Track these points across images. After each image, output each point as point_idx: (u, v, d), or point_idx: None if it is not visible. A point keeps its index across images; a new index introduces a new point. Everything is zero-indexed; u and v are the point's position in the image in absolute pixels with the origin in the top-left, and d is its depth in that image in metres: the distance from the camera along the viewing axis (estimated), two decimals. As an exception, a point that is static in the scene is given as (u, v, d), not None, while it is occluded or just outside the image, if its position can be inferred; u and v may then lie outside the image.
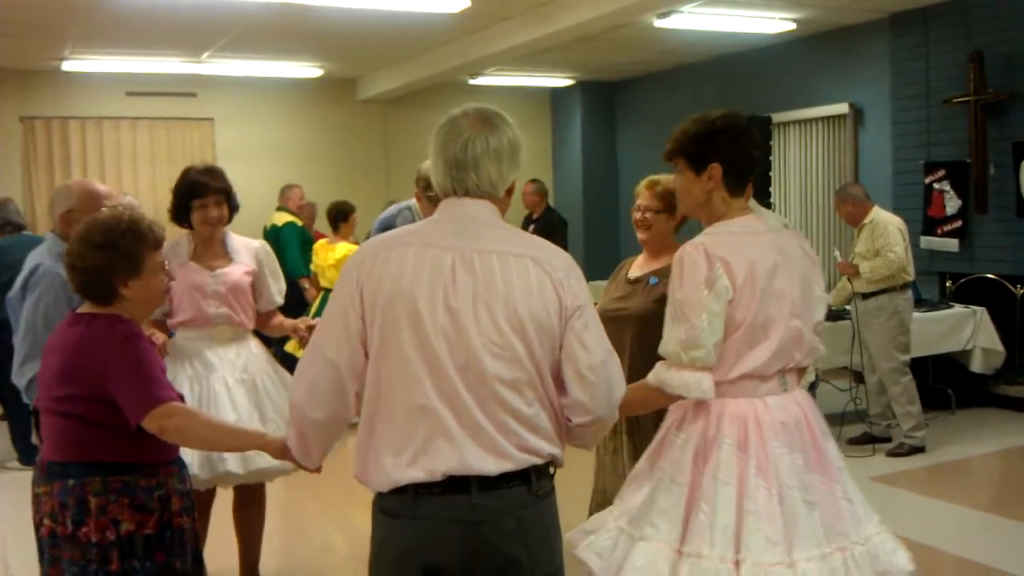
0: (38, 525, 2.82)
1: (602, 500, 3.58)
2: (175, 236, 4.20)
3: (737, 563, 2.54)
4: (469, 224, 2.29)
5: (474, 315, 2.19)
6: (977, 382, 7.77)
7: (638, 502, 2.75)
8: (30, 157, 11.10)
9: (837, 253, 7.22)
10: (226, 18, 8.34)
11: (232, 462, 3.89)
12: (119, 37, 9.09)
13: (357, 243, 7.95)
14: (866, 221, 6.70)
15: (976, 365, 7.52)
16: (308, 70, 11.32)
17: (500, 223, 2.32)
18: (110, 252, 2.77)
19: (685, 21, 8.48)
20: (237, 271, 4.19)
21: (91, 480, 2.73)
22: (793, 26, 9.15)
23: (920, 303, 7.47)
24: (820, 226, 10.03)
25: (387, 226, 4.54)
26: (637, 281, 3.76)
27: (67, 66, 10.29)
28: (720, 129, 2.78)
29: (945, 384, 7.74)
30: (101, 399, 2.71)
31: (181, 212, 4.16)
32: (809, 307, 2.81)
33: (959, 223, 8.31)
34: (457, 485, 2.20)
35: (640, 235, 3.74)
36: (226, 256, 4.22)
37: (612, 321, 3.71)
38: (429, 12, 8.09)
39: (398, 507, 2.24)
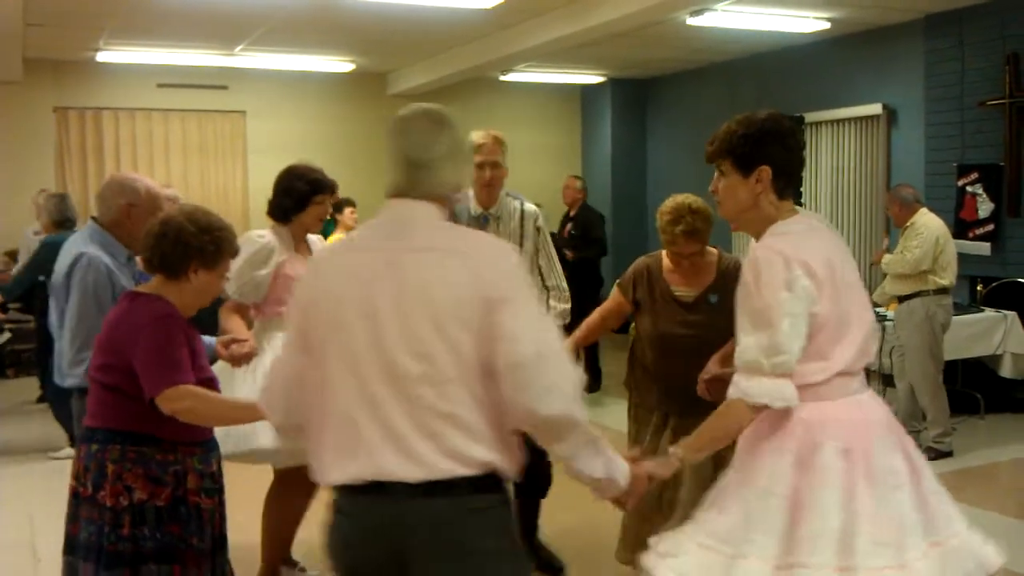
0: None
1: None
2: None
3: (844, 569, 2.42)
4: (405, 225, 2.27)
5: (396, 316, 2.15)
6: (1007, 387, 7.71)
7: (729, 523, 2.57)
8: (63, 147, 11.22)
9: (886, 242, 7.26)
10: (259, 12, 8.39)
11: (263, 437, 3.87)
12: (154, 29, 9.17)
13: None
14: (909, 223, 6.72)
15: (1006, 370, 7.48)
16: (339, 64, 11.35)
17: (435, 221, 2.29)
18: (205, 237, 3.00)
19: (718, 19, 8.46)
20: None
21: (111, 447, 2.93)
22: (827, 26, 9.09)
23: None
24: (851, 227, 9.96)
25: None
26: (695, 303, 3.78)
27: (101, 57, 10.38)
28: (769, 130, 2.69)
29: (974, 388, 7.69)
30: (128, 370, 2.90)
31: (297, 206, 4.35)
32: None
33: (991, 227, 8.24)
34: (380, 491, 2.15)
35: (678, 266, 3.79)
36: (311, 252, 4.41)
37: (687, 350, 3.76)
38: (462, 7, 8.10)
39: (339, 503, 2.26)
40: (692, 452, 2.67)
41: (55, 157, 11.15)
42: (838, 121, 10.02)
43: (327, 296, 2.25)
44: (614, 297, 4.19)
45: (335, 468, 2.21)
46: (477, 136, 4.45)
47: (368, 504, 2.18)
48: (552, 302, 4.51)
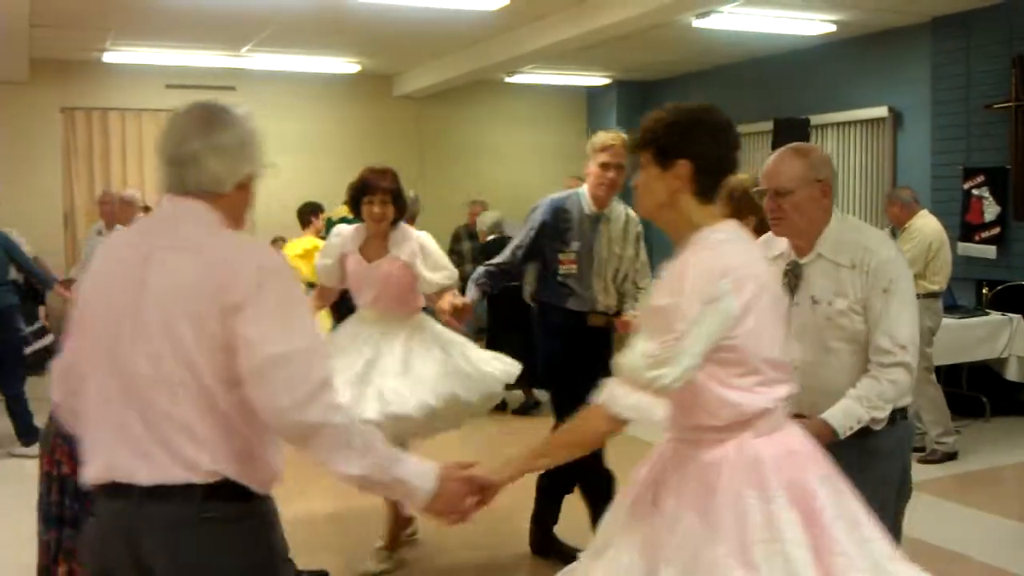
0: None
1: None
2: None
3: None
4: (166, 223, 2.22)
5: (134, 315, 2.09)
6: (1012, 390, 7.70)
7: None
8: (70, 148, 11.24)
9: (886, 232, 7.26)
10: (266, 13, 8.40)
11: (370, 410, 4.20)
12: (160, 30, 9.19)
13: (323, 239, 8.35)
14: (907, 225, 6.77)
15: (1012, 373, 7.46)
16: (346, 65, 11.37)
17: (196, 219, 2.19)
18: None
19: (724, 21, 8.45)
20: (392, 264, 4.65)
21: (54, 423, 3.25)
22: (833, 28, 9.08)
23: (956, 310, 7.45)
24: (856, 230, 9.93)
25: (557, 207, 4.64)
26: None
27: (108, 58, 10.41)
28: (699, 120, 2.41)
29: (980, 392, 7.67)
30: None
31: (355, 206, 4.72)
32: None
33: (997, 230, 8.23)
34: (119, 492, 2.11)
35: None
36: (387, 251, 4.68)
37: None
38: (467, 9, 8.10)
39: (94, 504, 2.24)
40: (532, 460, 2.47)
41: (62, 157, 11.17)
42: (844, 124, 10.01)
43: (92, 289, 2.25)
44: None
45: (88, 467, 2.20)
46: (606, 136, 4.58)
47: (111, 506, 2.14)
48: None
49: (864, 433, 2.93)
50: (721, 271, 2.24)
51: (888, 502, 3.01)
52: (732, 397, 2.28)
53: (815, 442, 2.45)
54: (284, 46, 10.10)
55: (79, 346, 2.24)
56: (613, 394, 2.27)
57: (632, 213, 4.66)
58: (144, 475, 2.08)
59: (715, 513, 2.24)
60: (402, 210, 4.74)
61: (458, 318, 4.47)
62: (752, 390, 2.30)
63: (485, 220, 8.85)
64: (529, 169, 12.71)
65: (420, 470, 2.25)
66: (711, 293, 2.21)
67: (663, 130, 2.40)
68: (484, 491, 2.38)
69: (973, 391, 7.68)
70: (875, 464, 3.02)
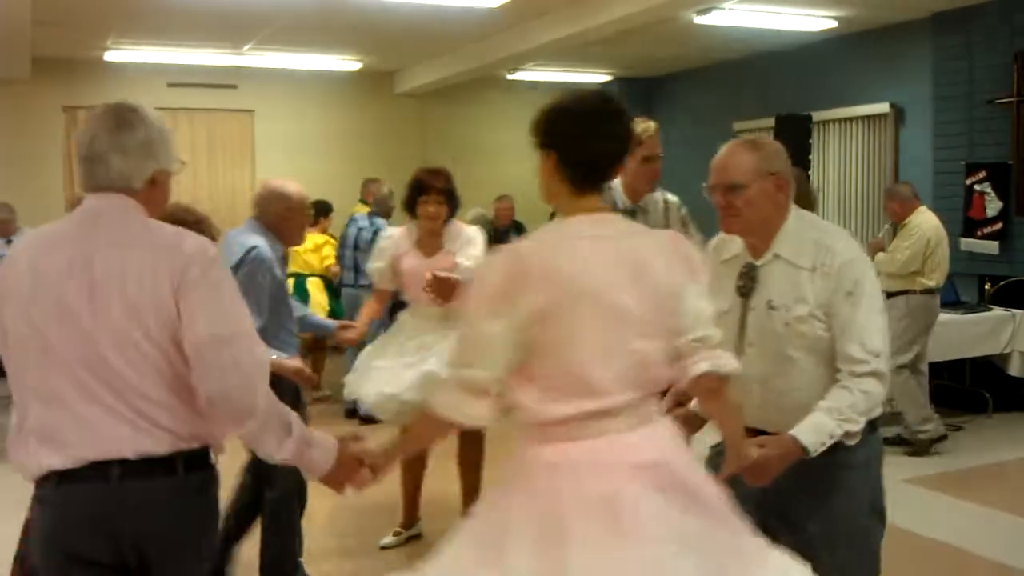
0: None
1: None
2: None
3: None
4: (95, 219, 2.33)
5: (91, 307, 2.22)
6: (1015, 386, 7.69)
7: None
8: (72, 146, 11.22)
9: (881, 234, 7.30)
10: (267, 11, 8.40)
11: (409, 392, 4.49)
12: (162, 28, 9.19)
13: (333, 236, 9.04)
14: (906, 221, 6.80)
15: (1014, 369, 7.46)
16: (347, 63, 11.36)
17: (123, 215, 2.34)
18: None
19: (725, 17, 8.44)
20: (445, 261, 4.81)
21: None
22: (835, 24, 9.08)
23: (958, 305, 7.47)
24: (859, 226, 9.94)
25: None
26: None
27: (110, 56, 10.41)
28: (566, 109, 2.33)
29: (982, 387, 7.67)
30: None
31: (410, 205, 4.91)
32: (675, 323, 2.27)
33: (999, 225, 8.22)
34: (94, 473, 2.23)
35: None
36: (441, 247, 4.89)
37: None
38: (469, 6, 8.11)
39: (44, 494, 2.31)
40: (393, 452, 2.57)
41: (64, 156, 11.17)
42: (845, 120, 10.00)
43: (16, 291, 2.29)
44: None
45: (52, 454, 2.26)
46: (647, 127, 4.37)
47: (81, 488, 2.25)
48: None
49: (834, 447, 2.66)
50: (517, 265, 2.21)
51: (858, 527, 2.83)
52: (525, 402, 2.25)
53: (637, 456, 2.22)
54: (285, 44, 10.09)
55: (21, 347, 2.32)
56: (436, 391, 2.32)
57: (671, 197, 4.62)
58: (129, 449, 2.23)
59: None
60: (455, 208, 4.93)
61: (440, 294, 4.53)
62: (549, 398, 2.22)
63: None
64: (531, 167, 12.64)
65: (326, 447, 2.43)
66: (506, 289, 2.18)
67: (538, 121, 2.36)
68: (375, 467, 2.50)
69: (975, 387, 7.68)
70: (844, 479, 2.79)
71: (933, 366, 6.97)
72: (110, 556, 2.26)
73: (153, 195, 2.40)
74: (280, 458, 2.33)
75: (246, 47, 10.19)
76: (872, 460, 2.88)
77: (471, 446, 5.04)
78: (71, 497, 2.26)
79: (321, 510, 5.09)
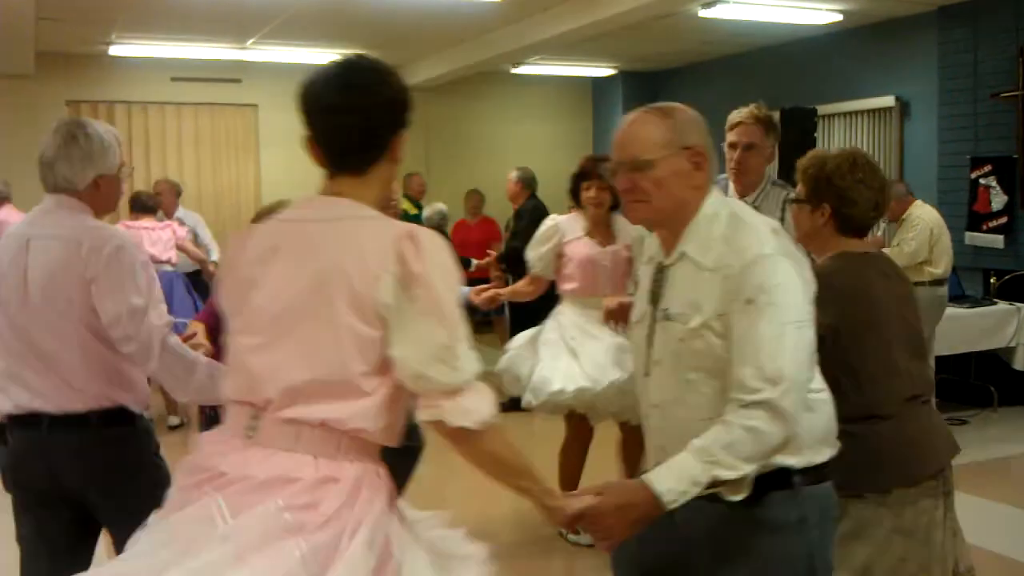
0: None
1: None
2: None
3: None
4: (44, 215, 2.88)
5: (25, 287, 2.74)
6: (1020, 380, 7.67)
7: None
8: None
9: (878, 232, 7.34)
10: (271, 5, 8.41)
11: (558, 383, 4.60)
12: (166, 23, 9.19)
13: None
14: (905, 216, 6.86)
15: (1019, 363, 7.44)
16: (351, 57, 11.33)
17: (64, 211, 2.84)
18: None
19: (730, 11, 8.43)
20: (618, 250, 4.84)
21: None
22: (840, 17, 9.07)
23: (963, 299, 7.45)
24: (863, 220, 9.93)
25: None
26: None
27: (114, 51, 10.40)
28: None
29: (987, 381, 7.66)
30: None
31: (573, 192, 4.94)
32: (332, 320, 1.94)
33: (1004, 219, 8.21)
34: (31, 422, 2.76)
35: None
36: (612, 236, 4.88)
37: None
38: (472, 0, 8.09)
39: (4, 434, 2.83)
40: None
41: (68, 151, 11.17)
42: (851, 113, 9.98)
43: None
44: None
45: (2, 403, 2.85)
46: (734, 114, 3.94)
47: (23, 433, 2.80)
48: None
49: (754, 501, 2.10)
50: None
51: None
52: None
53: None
54: (289, 39, 10.08)
55: None
56: None
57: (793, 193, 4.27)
58: (52, 404, 2.75)
59: None
60: (618, 198, 4.83)
61: (619, 319, 3.79)
62: None
63: (430, 211, 9.45)
64: (535, 160, 12.58)
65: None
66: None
67: None
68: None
69: (981, 380, 7.67)
70: (765, 545, 2.18)
71: (938, 360, 6.95)
72: (57, 491, 2.78)
73: (97, 195, 2.88)
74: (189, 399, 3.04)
75: (250, 41, 10.18)
76: (809, 519, 2.20)
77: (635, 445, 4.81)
78: (17, 438, 2.81)
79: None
